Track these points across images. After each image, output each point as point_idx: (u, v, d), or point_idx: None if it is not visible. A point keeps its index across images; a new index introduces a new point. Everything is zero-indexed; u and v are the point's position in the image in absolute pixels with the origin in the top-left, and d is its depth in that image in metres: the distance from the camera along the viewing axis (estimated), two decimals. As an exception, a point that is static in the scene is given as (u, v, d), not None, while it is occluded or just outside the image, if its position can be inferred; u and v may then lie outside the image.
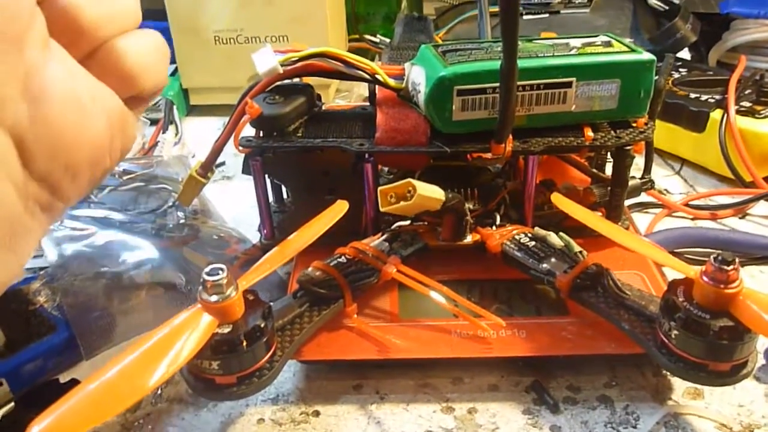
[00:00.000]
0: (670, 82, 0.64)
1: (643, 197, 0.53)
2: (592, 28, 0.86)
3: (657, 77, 0.41)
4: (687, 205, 0.55)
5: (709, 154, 0.58)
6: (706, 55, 0.76)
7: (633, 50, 0.41)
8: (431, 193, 0.37)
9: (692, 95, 0.61)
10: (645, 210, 0.55)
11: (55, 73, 0.24)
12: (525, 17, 0.89)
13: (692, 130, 0.59)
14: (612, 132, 0.41)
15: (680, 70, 0.67)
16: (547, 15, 0.90)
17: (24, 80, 0.23)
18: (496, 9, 0.91)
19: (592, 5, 0.90)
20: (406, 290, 0.39)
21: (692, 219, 0.54)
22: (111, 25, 0.26)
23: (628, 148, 0.41)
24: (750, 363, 0.33)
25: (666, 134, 0.61)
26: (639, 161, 0.46)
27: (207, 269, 0.32)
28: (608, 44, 0.42)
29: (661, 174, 0.61)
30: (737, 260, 0.31)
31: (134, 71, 0.27)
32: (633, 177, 0.46)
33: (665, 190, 0.58)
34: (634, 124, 0.42)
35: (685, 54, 0.78)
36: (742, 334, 0.31)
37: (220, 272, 0.31)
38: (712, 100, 0.59)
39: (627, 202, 0.50)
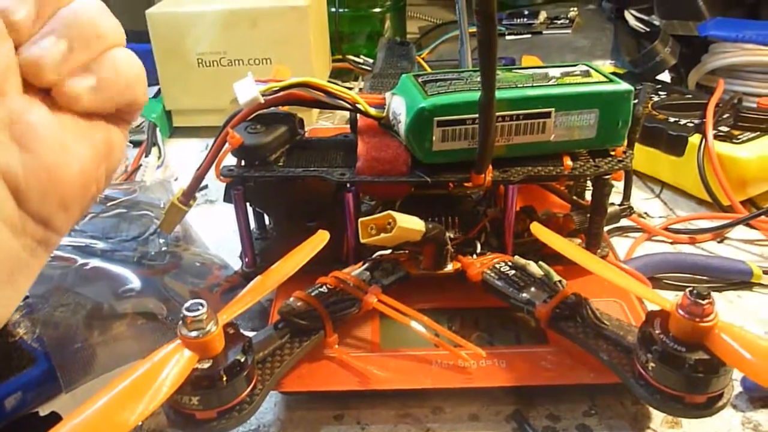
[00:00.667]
0: (649, 105, 0.65)
1: (624, 221, 0.54)
2: (574, 48, 0.87)
3: (635, 106, 0.42)
4: (666, 229, 0.55)
5: (688, 178, 0.59)
6: (686, 77, 0.77)
7: (611, 80, 0.41)
8: (412, 224, 0.37)
9: (671, 119, 0.62)
10: (625, 234, 0.56)
11: (38, 116, 0.26)
12: (508, 38, 0.91)
13: (671, 154, 0.60)
14: (591, 161, 0.42)
15: (660, 93, 0.68)
16: (529, 36, 0.91)
17: (9, 126, 0.25)
18: (475, 29, 0.93)
19: (573, 26, 0.91)
20: (388, 320, 0.40)
21: (672, 243, 0.55)
22: (112, 35, 0.28)
23: (607, 177, 0.42)
24: (726, 395, 0.33)
25: (646, 158, 0.62)
26: (621, 185, 0.47)
27: (187, 304, 0.32)
28: (587, 74, 0.42)
29: (641, 197, 0.62)
30: (712, 294, 0.32)
31: (131, 79, 0.29)
32: (612, 204, 0.47)
33: (645, 213, 0.59)
34: (613, 153, 0.43)
35: (665, 76, 0.79)
36: (717, 367, 0.32)
37: (200, 308, 0.32)
38: (691, 125, 0.60)
39: (607, 228, 0.51)
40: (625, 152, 0.43)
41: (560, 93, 0.40)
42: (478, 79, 0.35)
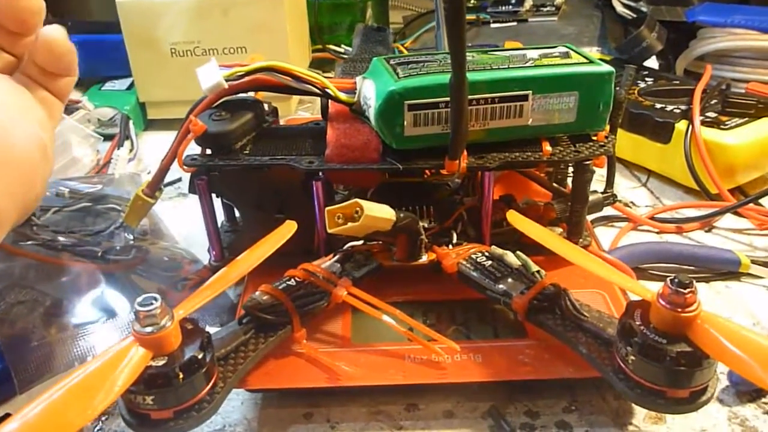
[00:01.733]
0: (636, 92, 0.64)
1: (609, 211, 0.52)
2: (560, 36, 0.86)
3: (617, 89, 0.41)
4: (653, 218, 0.54)
5: (674, 166, 0.57)
6: (674, 63, 0.75)
7: (591, 62, 0.40)
8: (380, 213, 0.36)
9: (658, 105, 0.60)
10: (610, 224, 0.54)
11: None
12: (493, 25, 0.89)
13: (658, 141, 0.59)
14: (571, 146, 0.40)
15: (646, 79, 0.67)
16: (515, 23, 0.90)
17: None
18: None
19: (559, 13, 0.90)
20: (359, 313, 0.38)
21: (658, 232, 0.53)
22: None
23: (588, 162, 0.40)
24: (710, 389, 0.32)
25: (632, 145, 0.61)
26: (605, 173, 0.46)
27: (139, 299, 0.30)
28: (566, 55, 0.41)
29: (627, 186, 0.60)
30: (694, 283, 0.30)
31: (63, 50, 0.33)
32: (595, 191, 0.46)
33: (631, 202, 0.57)
34: (595, 138, 0.41)
35: (653, 62, 0.78)
36: (700, 360, 0.30)
37: (153, 302, 0.30)
38: (678, 111, 0.59)
39: (591, 217, 0.50)
40: (607, 137, 0.41)
41: (538, 75, 0.38)
42: (452, 60, 0.33)
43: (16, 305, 0.40)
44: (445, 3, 0.29)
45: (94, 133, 0.66)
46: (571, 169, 0.45)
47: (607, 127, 0.41)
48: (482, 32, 0.88)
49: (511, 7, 0.91)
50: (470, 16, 0.89)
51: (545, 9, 0.91)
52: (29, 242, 0.45)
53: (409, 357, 0.37)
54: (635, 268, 0.46)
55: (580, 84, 0.39)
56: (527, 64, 0.39)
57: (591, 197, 0.43)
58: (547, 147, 0.40)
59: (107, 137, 0.68)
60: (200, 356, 0.31)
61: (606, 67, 0.39)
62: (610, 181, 0.46)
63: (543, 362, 0.36)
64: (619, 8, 0.90)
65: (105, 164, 0.64)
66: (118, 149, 0.66)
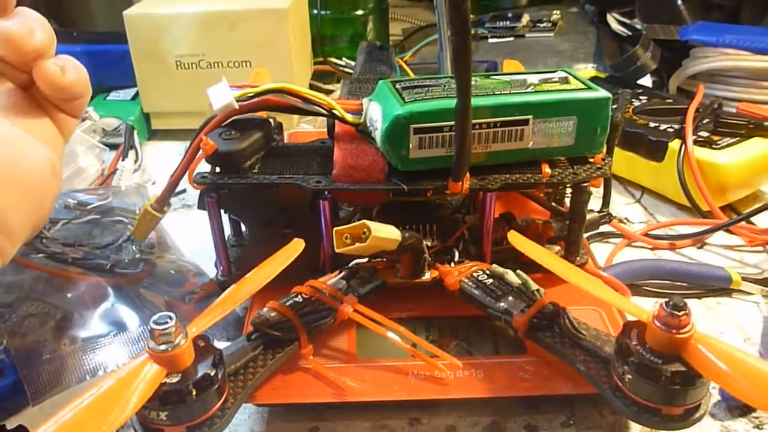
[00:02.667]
0: (630, 110, 0.65)
1: (604, 227, 0.53)
2: (557, 52, 0.87)
3: (614, 113, 0.42)
4: (646, 234, 0.55)
5: (668, 184, 0.59)
6: (667, 81, 0.77)
7: (590, 87, 0.41)
8: (387, 233, 0.37)
9: (651, 124, 0.62)
10: (605, 240, 0.55)
11: None
12: (490, 41, 0.90)
13: (651, 160, 0.60)
14: (570, 168, 0.42)
15: (640, 98, 0.68)
16: (512, 39, 0.91)
17: None
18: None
19: (556, 30, 0.91)
20: (364, 330, 0.39)
21: (652, 249, 0.54)
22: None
23: (586, 184, 0.41)
24: (703, 406, 0.33)
25: (626, 163, 0.62)
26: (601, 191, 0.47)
27: (155, 317, 0.31)
28: (565, 81, 0.42)
29: (621, 202, 0.61)
30: (688, 306, 0.31)
31: (62, 84, 0.33)
32: (591, 210, 0.47)
33: (626, 218, 0.59)
34: (592, 160, 0.42)
35: (646, 80, 0.79)
36: (694, 379, 0.31)
37: (169, 320, 0.31)
38: (671, 130, 0.60)
39: (586, 234, 0.51)
40: (603, 159, 0.42)
41: (538, 100, 0.39)
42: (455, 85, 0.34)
43: (27, 318, 0.41)
44: (452, 36, 0.30)
45: (99, 144, 0.66)
46: (569, 190, 0.46)
47: (604, 150, 0.42)
48: (480, 47, 0.89)
49: (508, 22, 0.92)
50: (468, 31, 0.90)
51: (542, 25, 0.92)
52: (39, 255, 0.46)
53: (412, 373, 0.38)
54: (630, 284, 0.47)
55: (578, 109, 0.40)
56: (528, 90, 0.40)
57: (587, 216, 0.44)
58: (547, 169, 0.41)
59: (112, 147, 0.69)
60: (213, 373, 0.32)
61: (603, 93, 0.40)
62: (606, 201, 0.47)
63: (542, 378, 0.37)
64: (615, 25, 0.92)
65: (110, 174, 0.64)
66: (123, 160, 0.66)
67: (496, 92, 0.39)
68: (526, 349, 0.39)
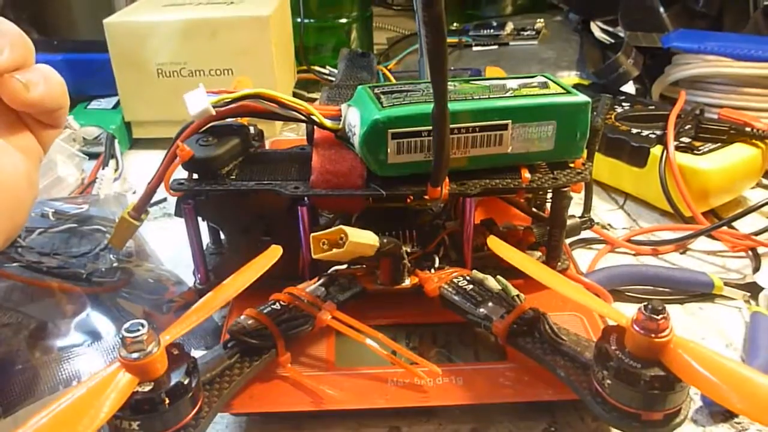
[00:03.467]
0: (613, 116, 0.65)
1: (587, 233, 0.53)
2: (540, 60, 0.87)
3: (594, 118, 0.42)
4: (629, 240, 0.55)
5: (650, 189, 0.59)
6: (650, 88, 0.77)
7: (569, 92, 0.41)
8: (364, 239, 0.36)
9: (634, 130, 0.62)
10: (588, 246, 0.55)
11: None
12: (475, 49, 0.91)
13: (634, 166, 0.60)
14: (550, 173, 0.41)
15: (623, 104, 0.68)
16: (496, 47, 0.91)
17: None
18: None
19: (540, 38, 0.91)
20: (343, 337, 0.38)
21: (635, 255, 0.54)
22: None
23: (566, 189, 0.41)
24: (683, 411, 0.33)
25: (609, 169, 0.62)
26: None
27: (126, 325, 0.30)
28: (544, 85, 0.42)
29: (605, 208, 0.61)
30: (667, 309, 0.31)
31: (30, 99, 0.33)
32: (573, 216, 0.47)
33: (609, 224, 0.59)
34: (572, 165, 0.42)
35: (630, 87, 0.80)
36: (673, 383, 0.31)
37: (141, 328, 0.30)
38: (653, 136, 0.60)
39: (569, 240, 0.51)
40: (584, 164, 0.42)
41: (517, 105, 0.39)
42: (434, 90, 0.34)
43: (0, 328, 0.40)
44: (427, 38, 0.30)
45: (79, 153, 0.66)
46: (549, 195, 0.46)
47: (585, 154, 0.42)
48: (464, 55, 0.89)
49: (492, 30, 0.93)
50: (452, 39, 0.91)
51: (526, 33, 0.92)
52: (14, 264, 0.45)
53: (392, 380, 0.37)
54: (612, 290, 0.47)
55: (557, 114, 0.40)
56: (507, 94, 0.40)
57: (569, 222, 0.44)
58: (526, 174, 0.40)
59: (92, 156, 0.69)
60: (186, 381, 0.32)
61: (582, 98, 0.40)
62: (587, 206, 0.47)
63: (523, 385, 0.37)
64: (598, 33, 0.92)
65: (89, 183, 0.64)
66: (103, 169, 0.66)
67: (475, 97, 0.39)
68: (506, 355, 0.39)
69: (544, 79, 0.42)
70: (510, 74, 0.46)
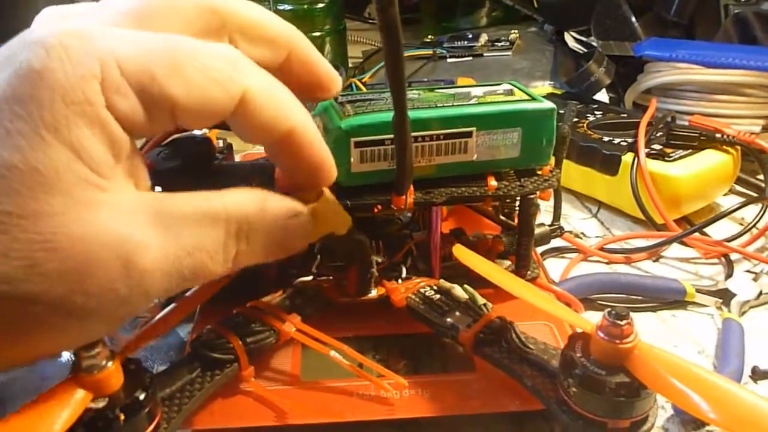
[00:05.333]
0: (585, 125, 0.66)
1: (559, 242, 0.54)
2: (514, 70, 0.88)
3: (560, 125, 0.42)
4: (602, 249, 0.55)
5: (622, 197, 0.59)
6: (623, 96, 0.78)
7: (534, 98, 0.41)
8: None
9: (605, 138, 0.62)
10: (561, 255, 0.55)
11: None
12: (449, 60, 0.91)
13: (606, 174, 0.60)
14: (516, 181, 0.42)
15: (596, 113, 0.69)
16: (470, 58, 0.92)
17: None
18: (417, 52, 0.93)
19: (514, 48, 0.92)
20: (309, 350, 0.38)
21: (607, 263, 0.55)
22: None
23: (533, 196, 0.41)
24: (650, 418, 0.32)
25: (582, 177, 0.63)
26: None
27: (80, 343, 0.30)
28: (510, 93, 0.42)
29: (578, 217, 0.62)
30: (631, 315, 0.31)
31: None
32: (542, 224, 0.47)
33: (582, 233, 0.59)
34: (540, 172, 0.42)
35: (603, 96, 0.80)
36: (638, 390, 0.31)
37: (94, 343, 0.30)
38: (624, 143, 0.61)
39: (540, 249, 0.51)
40: (551, 171, 0.42)
41: (481, 112, 0.39)
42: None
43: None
44: (383, 43, 0.30)
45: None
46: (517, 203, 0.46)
47: (552, 161, 0.42)
48: (438, 67, 0.90)
49: (466, 42, 0.93)
50: (427, 51, 0.91)
51: (500, 44, 0.93)
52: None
53: (357, 393, 0.37)
54: (584, 299, 0.47)
55: (522, 120, 0.40)
56: (471, 102, 0.40)
57: (538, 230, 0.45)
58: (492, 182, 0.40)
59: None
60: (142, 397, 0.31)
61: (548, 104, 0.40)
62: (557, 214, 0.47)
63: (490, 396, 0.37)
64: (571, 43, 0.93)
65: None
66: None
67: (439, 105, 0.39)
68: (474, 366, 0.39)
69: (509, 87, 0.43)
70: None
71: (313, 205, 0.33)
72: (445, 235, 0.43)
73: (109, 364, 0.30)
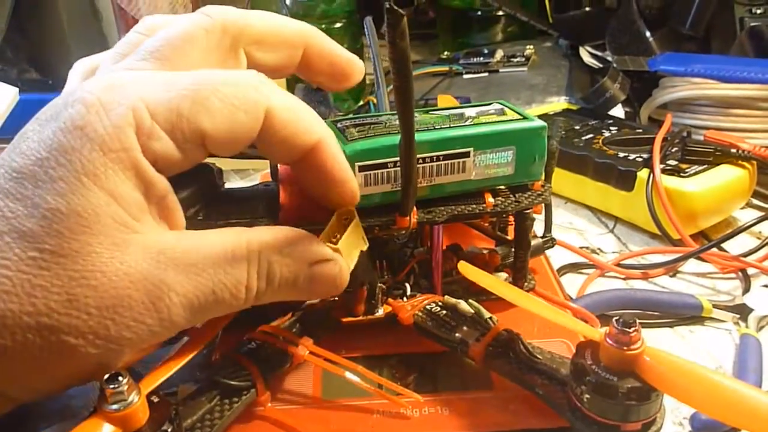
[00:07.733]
0: (600, 141, 0.69)
1: (577, 258, 0.56)
2: (529, 86, 0.92)
3: (550, 141, 0.45)
4: (619, 264, 0.58)
5: (638, 213, 0.62)
6: (639, 111, 0.81)
7: (525, 117, 0.45)
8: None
9: (621, 154, 0.65)
10: (579, 271, 0.58)
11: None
12: (465, 77, 0.95)
13: (622, 189, 0.63)
14: (511, 197, 0.45)
15: (611, 128, 0.72)
16: (486, 74, 0.96)
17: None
18: (433, 69, 0.96)
19: (529, 64, 0.96)
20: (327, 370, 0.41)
21: (624, 279, 0.57)
22: None
23: (528, 211, 0.45)
24: (659, 419, 0.35)
25: (598, 193, 0.66)
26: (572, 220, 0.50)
27: (105, 376, 0.32)
28: (501, 112, 0.45)
29: (595, 233, 0.65)
30: (638, 322, 0.34)
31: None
32: (535, 237, 0.50)
33: (599, 249, 0.62)
34: (532, 188, 0.46)
35: (619, 111, 0.84)
36: (648, 393, 0.34)
37: (120, 378, 0.31)
38: (640, 159, 0.64)
39: (558, 264, 0.54)
40: (543, 186, 0.46)
41: (477, 133, 0.43)
42: (397, 122, 0.38)
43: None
44: (394, 76, 0.33)
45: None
46: (511, 217, 0.49)
47: (543, 177, 0.46)
48: (454, 83, 0.94)
49: (482, 58, 0.98)
50: (443, 68, 0.96)
51: (515, 60, 0.97)
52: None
53: (378, 412, 0.40)
54: (601, 315, 0.50)
55: (516, 139, 0.43)
56: (466, 123, 0.44)
57: (532, 242, 0.48)
58: (490, 199, 0.44)
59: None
60: (169, 430, 0.33)
61: (538, 123, 0.44)
62: (548, 226, 0.51)
63: (509, 413, 0.39)
64: (587, 58, 0.97)
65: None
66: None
67: (437, 127, 0.43)
68: (492, 384, 0.41)
69: (500, 106, 0.46)
70: (502, 100, 0.50)
71: (342, 245, 0.36)
72: (444, 252, 0.46)
73: (135, 399, 0.32)
